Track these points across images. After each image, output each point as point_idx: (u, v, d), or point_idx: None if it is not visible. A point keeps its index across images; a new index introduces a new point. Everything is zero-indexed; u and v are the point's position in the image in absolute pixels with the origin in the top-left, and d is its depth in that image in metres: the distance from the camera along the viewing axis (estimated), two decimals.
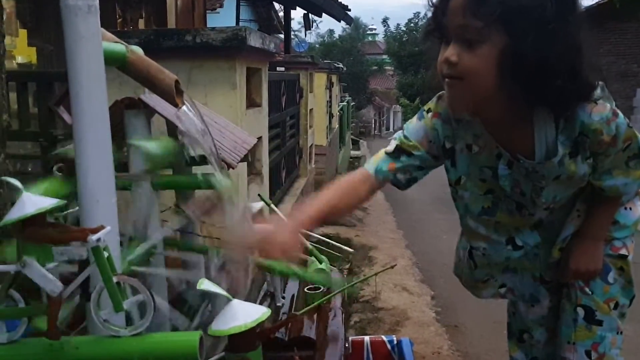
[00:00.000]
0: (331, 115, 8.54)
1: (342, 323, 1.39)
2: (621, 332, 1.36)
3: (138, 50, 1.07)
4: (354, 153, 14.73)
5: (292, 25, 9.89)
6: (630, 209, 1.36)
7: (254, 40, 2.12)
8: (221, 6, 10.62)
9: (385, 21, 27.74)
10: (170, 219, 1.36)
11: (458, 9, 1.05)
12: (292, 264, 1.25)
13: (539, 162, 1.18)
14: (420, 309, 3.54)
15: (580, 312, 1.35)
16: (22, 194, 0.81)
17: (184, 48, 2.00)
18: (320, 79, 7.04)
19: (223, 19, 10.01)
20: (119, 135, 1.15)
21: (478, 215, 1.36)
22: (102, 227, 0.80)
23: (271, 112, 3.22)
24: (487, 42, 1.03)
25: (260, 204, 1.59)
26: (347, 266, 4.04)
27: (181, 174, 1.33)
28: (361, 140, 19.74)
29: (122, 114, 1.18)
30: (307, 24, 11.12)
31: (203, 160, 1.26)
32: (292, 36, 10.28)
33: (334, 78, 9.04)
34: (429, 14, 1.16)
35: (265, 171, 2.86)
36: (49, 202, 0.81)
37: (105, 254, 0.80)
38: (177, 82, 1.06)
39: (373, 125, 30.28)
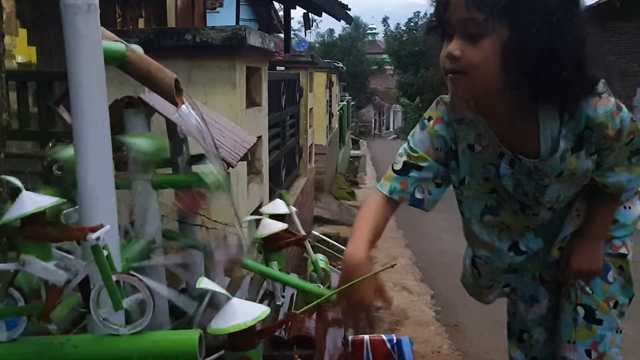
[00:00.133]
0: (331, 115, 8.54)
1: (342, 322, 1.39)
2: (620, 331, 1.36)
3: (138, 49, 1.07)
4: (353, 152, 14.74)
5: (292, 25, 9.89)
6: (630, 207, 1.36)
7: (254, 39, 2.12)
8: (221, 5, 10.62)
9: (385, 20, 27.70)
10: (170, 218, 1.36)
11: (460, 2, 1.04)
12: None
13: (541, 160, 1.18)
14: (420, 308, 3.55)
15: (581, 311, 1.35)
16: (21, 192, 0.81)
17: (183, 47, 2.00)
18: (320, 78, 7.04)
19: (223, 18, 10.01)
20: (119, 134, 1.15)
21: (481, 214, 1.35)
22: (102, 226, 0.80)
23: (271, 112, 3.22)
24: (491, 35, 1.03)
25: (282, 206, 1.55)
26: None
27: (181, 173, 1.33)
28: (361, 140, 19.76)
29: (121, 113, 1.17)
30: (307, 24, 11.12)
31: (203, 159, 1.26)
32: (292, 35, 10.28)
33: (334, 77, 9.04)
34: (431, 10, 1.15)
35: (265, 170, 2.86)
36: (48, 201, 0.81)
37: (105, 253, 0.80)
38: (176, 80, 1.06)
39: (373, 125, 30.32)
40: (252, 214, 2.54)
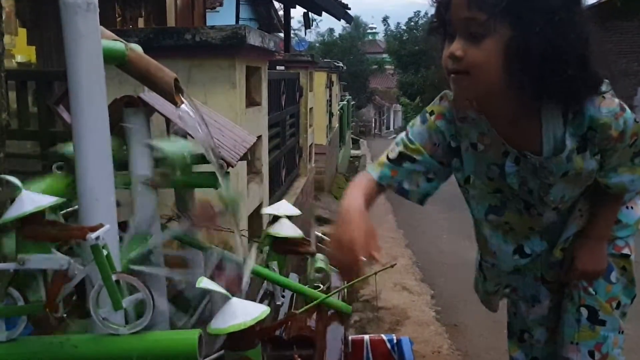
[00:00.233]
0: (331, 114, 8.54)
1: (342, 322, 1.39)
2: (623, 332, 1.36)
3: (137, 48, 1.06)
4: (354, 152, 14.74)
5: (292, 24, 9.88)
6: (632, 207, 1.36)
7: (254, 38, 2.11)
8: (221, 5, 10.61)
9: (385, 20, 27.68)
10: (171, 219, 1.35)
11: (462, 2, 1.04)
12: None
13: (547, 157, 1.17)
14: (420, 308, 3.55)
15: (584, 312, 1.35)
16: (21, 192, 0.80)
17: (183, 47, 2.00)
18: (320, 77, 7.04)
19: (223, 17, 10.01)
20: (118, 133, 1.15)
21: (486, 214, 1.35)
22: (101, 226, 0.80)
23: (271, 111, 3.21)
24: (493, 35, 1.03)
25: (289, 208, 1.52)
26: None
27: (180, 173, 1.32)
28: (361, 140, 19.76)
29: (121, 113, 1.17)
30: (307, 23, 11.12)
31: (202, 159, 1.25)
32: (292, 35, 10.27)
33: (334, 77, 9.04)
34: (432, 10, 1.15)
35: (265, 170, 2.86)
36: (47, 200, 0.81)
37: (105, 252, 0.79)
38: (176, 80, 1.05)
39: (373, 125, 30.30)
40: (251, 214, 2.54)
